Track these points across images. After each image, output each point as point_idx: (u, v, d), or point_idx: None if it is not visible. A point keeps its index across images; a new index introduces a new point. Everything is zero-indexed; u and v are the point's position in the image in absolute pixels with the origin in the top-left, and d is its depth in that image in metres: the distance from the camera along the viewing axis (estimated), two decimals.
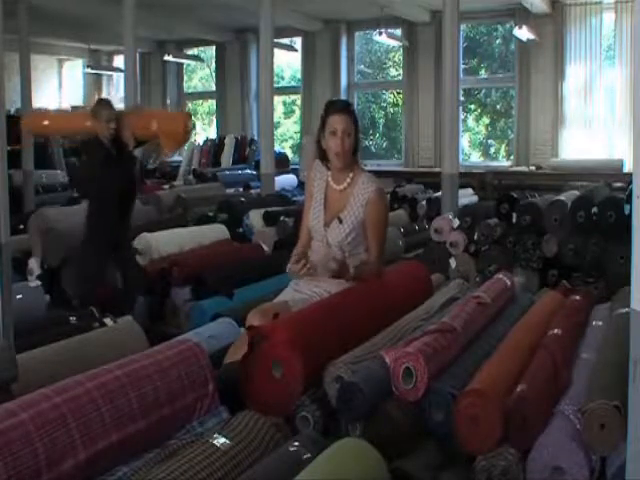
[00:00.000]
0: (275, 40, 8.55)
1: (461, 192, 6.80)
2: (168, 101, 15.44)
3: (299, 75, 14.11)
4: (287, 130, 15.50)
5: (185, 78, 16.21)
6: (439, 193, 6.90)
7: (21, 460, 1.52)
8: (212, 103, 15.54)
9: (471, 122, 13.16)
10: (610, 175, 8.45)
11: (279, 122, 14.74)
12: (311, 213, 2.96)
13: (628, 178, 2.98)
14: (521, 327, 2.82)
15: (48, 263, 5.23)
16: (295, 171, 11.19)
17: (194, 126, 6.18)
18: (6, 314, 2.96)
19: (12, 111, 10.83)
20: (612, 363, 2.24)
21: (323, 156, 2.92)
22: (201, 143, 12.84)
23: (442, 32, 6.55)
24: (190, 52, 15.47)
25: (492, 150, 12.94)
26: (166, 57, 14.00)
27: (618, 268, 4.56)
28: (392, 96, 13.84)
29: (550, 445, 2.01)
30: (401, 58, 13.09)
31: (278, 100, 13.83)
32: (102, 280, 4.60)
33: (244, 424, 1.95)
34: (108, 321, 3.21)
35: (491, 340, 2.65)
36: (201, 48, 15.64)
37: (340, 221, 2.85)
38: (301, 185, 9.59)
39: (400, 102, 13.30)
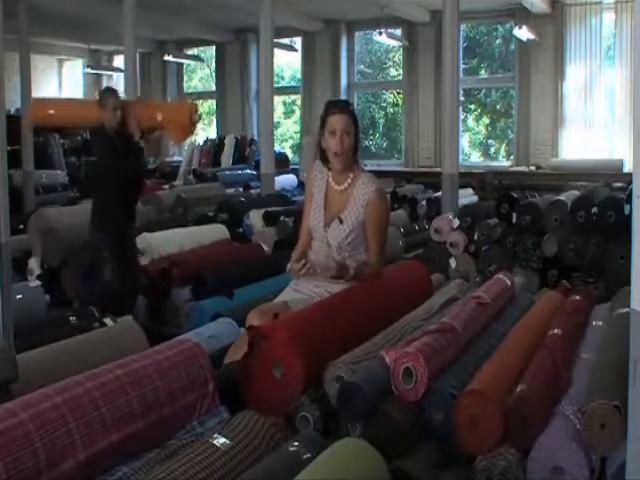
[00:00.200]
0: (275, 40, 8.55)
1: (461, 192, 6.80)
2: (168, 101, 15.43)
3: (299, 75, 14.11)
4: (287, 130, 15.50)
5: (185, 78, 16.21)
6: (439, 193, 6.91)
7: (21, 460, 1.52)
8: (212, 103, 15.54)
9: (471, 122, 13.16)
10: (610, 175, 8.45)
11: (279, 122, 14.74)
12: (311, 213, 2.96)
13: (628, 178, 2.98)
14: (521, 327, 2.82)
15: (48, 263, 5.23)
16: (295, 171, 11.19)
17: (200, 117, 6.16)
18: (6, 314, 2.96)
19: (12, 111, 10.84)
20: (612, 363, 2.24)
21: (323, 156, 2.92)
22: (201, 143, 12.84)
23: (442, 32, 6.56)
24: (190, 52, 15.47)
25: (492, 150, 12.94)
26: (166, 57, 13.99)
27: (618, 268, 4.56)
28: (392, 96, 13.84)
29: (550, 445, 2.01)
30: (401, 58, 13.09)
31: (278, 100, 13.83)
32: (102, 277, 4.60)
33: (244, 424, 1.95)
34: (108, 321, 3.21)
35: (491, 340, 2.65)
36: (201, 48, 15.64)
37: (340, 221, 2.85)
38: (301, 185, 9.59)
39: (400, 102, 13.30)
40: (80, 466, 1.63)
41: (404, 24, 12.27)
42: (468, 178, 9.11)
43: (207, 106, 16.11)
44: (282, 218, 5.96)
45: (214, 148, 12.52)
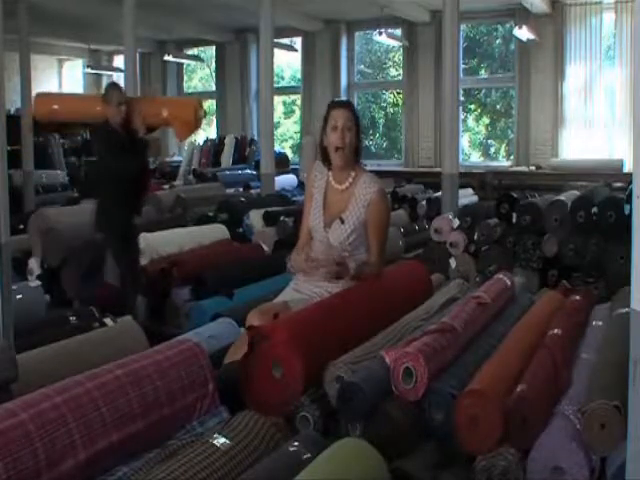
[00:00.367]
0: (275, 40, 8.55)
1: (461, 192, 6.80)
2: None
3: (299, 75, 14.11)
4: (287, 130, 15.50)
5: (185, 78, 16.22)
6: (439, 193, 6.91)
7: (21, 460, 1.52)
8: (212, 103, 15.53)
9: (471, 122, 13.16)
10: (610, 175, 8.46)
11: (279, 122, 14.75)
12: (312, 214, 2.95)
13: (628, 178, 2.97)
14: (521, 327, 2.82)
15: (48, 263, 5.23)
16: (295, 171, 11.19)
17: (206, 113, 6.16)
18: (6, 314, 2.96)
19: (12, 111, 10.84)
20: (612, 363, 2.24)
21: (324, 155, 2.91)
22: (201, 143, 12.84)
23: (442, 32, 6.56)
24: (190, 52, 15.47)
25: (492, 150, 12.94)
26: (166, 57, 14.00)
27: (618, 268, 4.56)
28: (392, 96, 13.85)
29: (550, 445, 2.01)
30: (401, 58, 13.09)
31: (278, 100, 13.84)
32: (103, 275, 4.60)
33: (244, 424, 1.95)
34: (108, 321, 3.21)
35: (491, 340, 2.65)
36: (201, 48, 15.65)
37: (342, 221, 2.85)
38: (301, 185, 9.59)
39: (400, 102, 13.30)
40: (80, 466, 1.63)
41: (404, 24, 12.27)
42: (468, 178, 9.11)
43: (207, 106, 16.09)
44: (282, 218, 5.96)
45: (214, 148, 12.53)
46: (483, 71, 12.86)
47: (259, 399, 2.16)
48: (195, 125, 5.10)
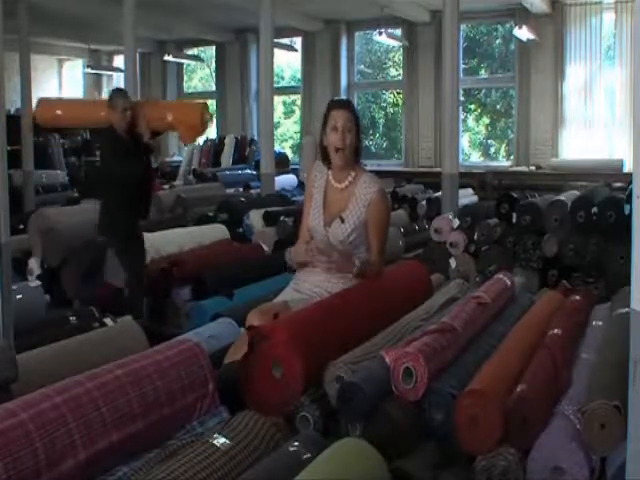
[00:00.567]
0: (275, 40, 8.55)
1: (461, 192, 6.81)
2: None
3: (299, 75, 14.12)
4: (287, 130, 15.50)
5: (185, 78, 16.22)
6: (439, 193, 6.91)
7: (21, 460, 1.52)
8: (212, 103, 15.51)
9: (471, 122, 13.17)
10: (610, 175, 8.46)
11: (279, 122, 14.75)
12: (311, 213, 2.95)
13: (628, 178, 2.97)
14: (521, 327, 2.82)
15: (48, 263, 5.24)
16: (295, 171, 11.20)
17: (211, 117, 6.14)
18: (6, 314, 2.96)
19: (12, 111, 10.84)
20: (612, 363, 2.23)
21: (324, 155, 2.91)
22: (201, 143, 12.84)
23: (442, 32, 6.57)
24: (190, 52, 15.47)
25: (492, 150, 12.95)
26: (166, 57, 14.00)
27: (618, 268, 4.56)
28: (392, 96, 13.85)
29: (550, 445, 2.01)
30: (401, 58, 13.10)
31: (278, 100, 13.84)
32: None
33: (244, 424, 1.95)
34: (108, 321, 3.21)
35: (491, 340, 2.65)
36: (201, 48, 15.65)
37: (342, 221, 2.85)
38: (301, 185, 9.59)
39: (400, 102, 13.31)
40: (80, 466, 1.63)
41: (404, 24, 12.27)
42: (468, 178, 9.12)
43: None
44: (282, 218, 5.96)
45: (214, 148, 12.53)
46: (483, 71, 12.87)
47: (259, 399, 2.16)
48: (201, 129, 5.09)
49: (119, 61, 15.16)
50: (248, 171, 11.05)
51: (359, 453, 1.90)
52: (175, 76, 15.67)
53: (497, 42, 12.85)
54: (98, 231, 4.65)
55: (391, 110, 14.00)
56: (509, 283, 3.26)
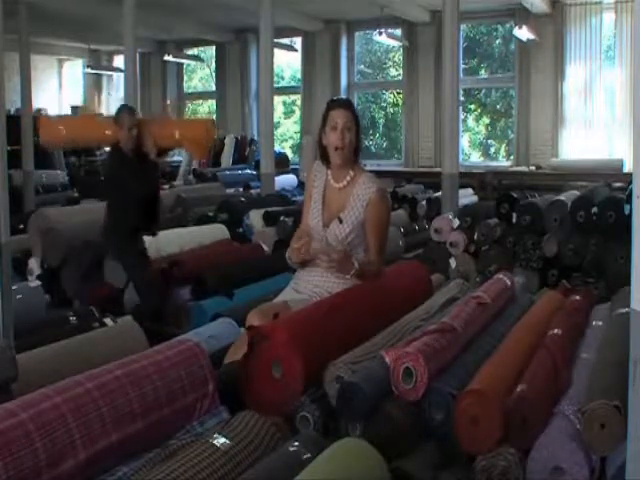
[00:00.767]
0: (275, 40, 8.55)
1: (461, 192, 6.81)
2: (168, 101, 15.44)
3: (299, 75, 14.12)
4: (287, 130, 15.51)
5: (185, 78, 16.22)
6: (439, 193, 6.91)
7: (21, 460, 1.52)
8: (212, 103, 15.54)
9: (471, 122, 13.17)
10: (610, 175, 8.45)
11: (279, 122, 14.75)
12: (311, 213, 2.95)
13: (628, 178, 2.97)
14: (521, 327, 2.82)
15: (48, 263, 5.24)
16: (295, 171, 11.20)
17: (219, 132, 6.11)
18: (6, 314, 2.96)
19: (12, 111, 10.85)
20: (612, 363, 2.23)
21: (323, 154, 2.91)
22: None
23: (442, 32, 6.56)
24: (190, 52, 15.47)
25: (492, 150, 12.95)
26: (166, 57, 14.01)
27: (618, 268, 4.57)
28: (392, 96, 13.85)
29: (550, 445, 2.01)
30: (401, 58, 13.10)
31: (278, 100, 13.84)
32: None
33: (244, 424, 1.95)
34: (108, 321, 3.21)
35: (491, 340, 2.65)
36: (201, 48, 15.65)
37: (340, 221, 2.85)
38: (301, 185, 9.59)
39: (400, 102, 13.31)
40: (80, 466, 1.63)
41: (404, 24, 12.28)
42: (468, 178, 9.11)
43: (207, 106, 16.12)
44: (282, 218, 5.96)
45: (214, 148, 12.52)
46: (483, 71, 12.87)
47: (259, 399, 2.16)
48: (208, 145, 5.08)
49: (119, 61, 15.16)
50: (248, 171, 11.05)
51: (359, 453, 1.90)
52: (175, 76, 15.67)
53: (497, 42, 12.85)
54: (104, 248, 4.61)
55: (391, 110, 14.00)
56: (509, 283, 3.26)
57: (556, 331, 2.64)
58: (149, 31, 12.76)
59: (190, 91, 16.24)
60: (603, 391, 2.05)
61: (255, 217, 6.26)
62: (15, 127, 8.98)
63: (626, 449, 1.82)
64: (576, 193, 5.78)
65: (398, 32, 12.32)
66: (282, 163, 10.75)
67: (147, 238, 4.83)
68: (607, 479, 1.98)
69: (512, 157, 11.98)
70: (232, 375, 2.25)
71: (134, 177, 4.38)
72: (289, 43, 13.48)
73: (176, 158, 13.11)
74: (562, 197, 5.43)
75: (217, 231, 5.85)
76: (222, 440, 1.84)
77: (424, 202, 7.68)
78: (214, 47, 14.90)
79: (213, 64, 15.31)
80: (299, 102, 14.24)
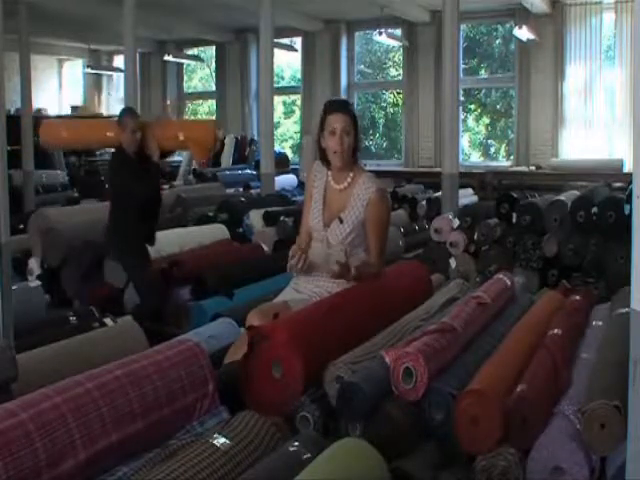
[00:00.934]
0: (275, 40, 8.55)
1: (461, 192, 6.81)
2: (168, 101, 15.44)
3: (299, 75, 14.12)
4: (287, 130, 15.51)
5: (185, 78, 16.22)
6: (439, 193, 6.91)
7: (21, 460, 1.52)
8: (212, 103, 15.54)
9: (471, 122, 13.17)
10: (610, 175, 8.45)
11: (279, 122, 14.75)
12: (311, 213, 2.95)
13: (628, 178, 2.97)
14: (521, 327, 2.82)
15: (48, 263, 5.24)
16: (295, 171, 11.20)
17: (223, 133, 6.03)
18: (6, 314, 2.96)
19: (12, 111, 10.85)
20: (612, 363, 2.23)
21: (323, 156, 2.92)
22: None
23: (442, 32, 6.56)
24: (190, 52, 15.47)
25: (492, 150, 12.95)
26: (166, 57, 14.00)
27: (618, 268, 4.57)
28: (392, 96, 13.85)
29: (550, 445, 2.01)
30: (401, 58, 13.10)
31: (278, 100, 13.84)
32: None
33: (244, 424, 1.95)
34: (108, 321, 3.21)
35: (491, 340, 2.65)
36: (201, 48, 15.65)
37: (341, 221, 2.85)
38: (301, 185, 9.59)
39: (400, 102, 13.31)
40: (80, 466, 1.63)
41: (404, 24, 12.27)
42: (468, 178, 9.11)
43: (207, 106, 16.12)
44: (282, 218, 5.96)
45: (216, 149, 12.52)
46: (483, 71, 12.87)
47: (259, 399, 2.16)
48: (213, 147, 5.04)
49: (119, 61, 15.16)
50: (248, 171, 11.05)
51: (359, 453, 1.90)
52: (175, 76, 15.67)
53: (497, 42, 12.85)
54: (106, 252, 4.58)
55: (391, 110, 14.00)
56: (509, 283, 3.26)
57: (556, 331, 2.64)
58: (149, 31, 12.76)
59: (190, 91, 16.24)
60: (603, 391, 2.05)
61: (255, 217, 6.26)
62: (15, 127, 8.98)
63: (626, 449, 1.82)
64: (576, 193, 5.78)
65: (398, 32, 12.32)
66: (282, 163, 10.75)
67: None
68: (607, 479, 1.98)
69: (512, 157, 11.97)
70: (232, 375, 2.25)
71: (136, 180, 4.36)
72: (289, 43, 13.48)
73: (176, 158, 13.12)
74: (562, 197, 5.43)
75: (217, 231, 5.85)
76: (222, 440, 1.84)
77: (424, 202, 7.68)
78: (214, 47, 14.90)
79: (213, 64, 15.31)
80: (299, 102, 14.24)
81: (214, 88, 15.19)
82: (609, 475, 1.98)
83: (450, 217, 5.57)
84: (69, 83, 17.07)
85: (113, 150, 4.64)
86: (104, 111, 16.13)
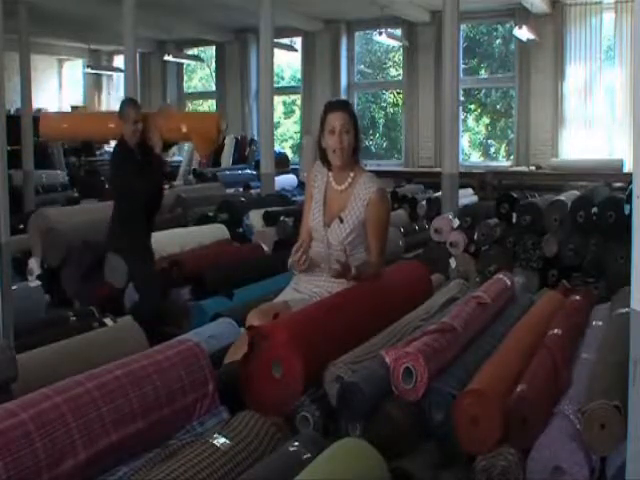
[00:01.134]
0: (275, 40, 8.55)
1: (461, 192, 6.80)
2: (168, 101, 15.43)
3: (299, 75, 14.12)
4: (287, 130, 15.51)
5: (185, 78, 16.22)
6: (439, 193, 6.91)
7: (21, 460, 1.52)
8: (212, 103, 15.53)
9: (471, 122, 13.17)
10: (610, 175, 8.46)
11: (279, 122, 14.75)
12: (312, 213, 2.96)
13: (628, 178, 2.97)
14: (521, 327, 2.82)
15: (48, 263, 5.23)
16: (295, 171, 11.19)
17: (227, 127, 5.90)
18: (6, 314, 2.96)
19: (12, 111, 10.85)
20: (612, 363, 2.24)
21: (323, 156, 2.92)
22: None
23: (442, 32, 6.56)
24: (190, 52, 15.47)
25: (492, 150, 12.95)
26: (166, 57, 14.00)
27: (618, 268, 4.56)
28: (392, 96, 13.85)
29: (550, 445, 2.01)
30: (401, 58, 13.09)
31: (278, 100, 13.84)
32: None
33: (244, 424, 1.95)
34: (108, 321, 3.21)
35: (491, 340, 2.66)
36: (201, 48, 15.65)
37: (341, 221, 2.85)
38: (301, 185, 9.59)
39: (400, 102, 13.30)
40: (80, 466, 1.63)
41: (404, 24, 12.27)
42: (468, 178, 9.11)
43: (207, 106, 16.12)
44: (282, 218, 5.95)
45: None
46: (483, 71, 12.87)
47: (259, 399, 2.16)
48: (217, 139, 4.94)
49: (119, 61, 15.16)
50: (248, 171, 11.04)
51: (359, 453, 1.90)
52: (175, 76, 15.67)
53: (497, 42, 12.85)
54: (107, 246, 4.49)
55: (391, 110, 14.00)
56: (509, 283, 3.27)
57: (556, 331, 2.64)
58: (149, 31, 12.75)
59: (190, 91, 16.23)
60: (603, 391, 2.05)
61: (255, 217, 6.26)
62: (15, 127, 8.98)
63: (626, 449, 1.82)
64: (576, 193, 5.78)
65: (398, 32, 12.31)
66: (282, 163, 10.75)
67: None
68: (607, 479, 1.98)
69: (512, 157, 11.97)
70: (232, 375, 2.25)
71: (138, 176, 4.28)
72: (289, 43, 13.47)
73: (176, 158, 13.13)
74: (562, 197, 5.43)
75: (217, 231, 5.85)
76: (222, 440, 1.84)
77: (424, 202, 7.68)
78: (214, 47, 14.90)
79: (213, 64, 15.31)
80: (299, 102, 14.23)
81: (214, 88, 15.19)
82: (609, 475, 1.98)
83: (450, 217, 5.57)
84: (69, 83, 17.07)
85: (115, 143, 4.56)
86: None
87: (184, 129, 4.72)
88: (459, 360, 2.41)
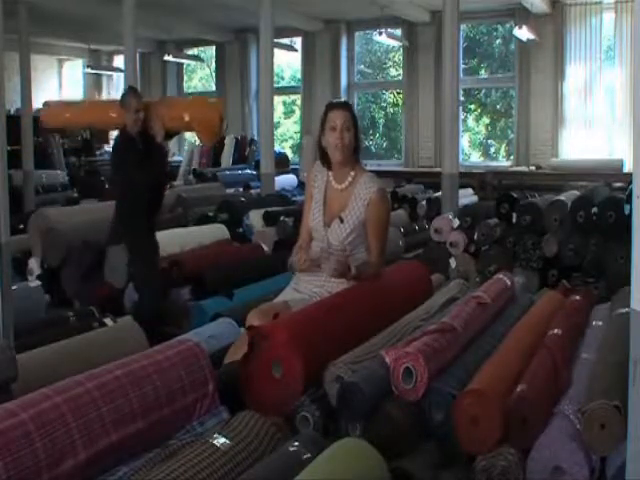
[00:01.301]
0: (275, 40, 8.55)
1: (461, 192, 6.80)
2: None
3: (299, 75, 14.11)
4: (287, 130, 15.50)
5: (185, 78, 16.21)
6: (439, 193, 6.91)
7: (21, 460, 1.52)
8: None
9: (471, 122, 13.16)
10: (610, 175, 8.46)
11: (279, 122, 14.74)
12: (312, 213, 2.96)
13: (628, 178, 2.97)
14: (521, 327, 2.82)
15: (48, 263, 5.23)
16: (295, 171, 11.19)
17: (227, 127, 5.83)
18: (6, 314, 2.96)
19: (12, 111, 10.85)
20: (612, 363, 2.24)
21: (323, 156, 2.92)
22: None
23: (442, 32, 6.56)
24: (190, 52, 15.47)
25: (492, 150, 12.94)
26: (166, 57, 13.99)
27: (618, 268, 4.56)
28: (392, 96, 13.84)
29: (550, 445, 2.01)
30: (401, 58, 13.09)
31: (278, 100, 13.84)
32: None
33: (244, 424, 1.95)
34: (108, 321, 3.21)
35: (491, 340, 2.66)
36: (201, 48, 15.64)
37: (341, 220, 2.85)
38: (301, 185, 9.59)
39: (400, 102, 13.30)
40: (80, 466, 1.63)
41: (404, 24, 12.27)
42: (468, 178, 9.10)
43: None
44: (282, 218, 5.95)
45: (214, 148, 12.52)
46: (483, 71, 12.86)
47: (259, 399, 2.16)
48: (220, 128, 4.88)
49: (119, 61, 15.16)
50: (248, 171, 11.04)
51: (359, 453, 1.90)
52: (175, 76, 15.66)
53: (497, 42, 12.84)
54: (110, 238, 4.45)
55: (391, 110, 14.00)
56: (509, 283, 3.27)
57: (556, 331, 2.64)
58: (149, 31, 12.74)
59: (190, 91, 16.22)
60: (603, 391, 2.05)
61: (255, 217, 6.26)
62: (15, 127, 8.98)
63: (626, 449, 1.82)
64: (576, 193, 5.78)
65: (398, 32, 12.31)
66: (282, 163, 10.74)
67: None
68: (607, 479, 1.98)
69: (512, 157, 11.97)
70: (232, 375, 2.25)
71: (139, 162, 4.22)
72: (289, 43, 13.47)
73: (176, 158, 13.13)
74: (562, 197, 5.43)
75: (217, 231, 5.85)
76: (222, 440, 1.84)
77: (424, 202, 7.68)
78: (214, 47, 14.90)
79: (213, 64, 15.31)
80: (299, 102, 14.23)
81: (214, 88, 15.18)
82: (609, 475, 1.98)
83: (450, 217, 5.57)
84: (69, 83, 17.06)
85: (117, 132, 4.49)
86: None
87: (186, 118, 4.65)
88: (459, 360, 2.41)
